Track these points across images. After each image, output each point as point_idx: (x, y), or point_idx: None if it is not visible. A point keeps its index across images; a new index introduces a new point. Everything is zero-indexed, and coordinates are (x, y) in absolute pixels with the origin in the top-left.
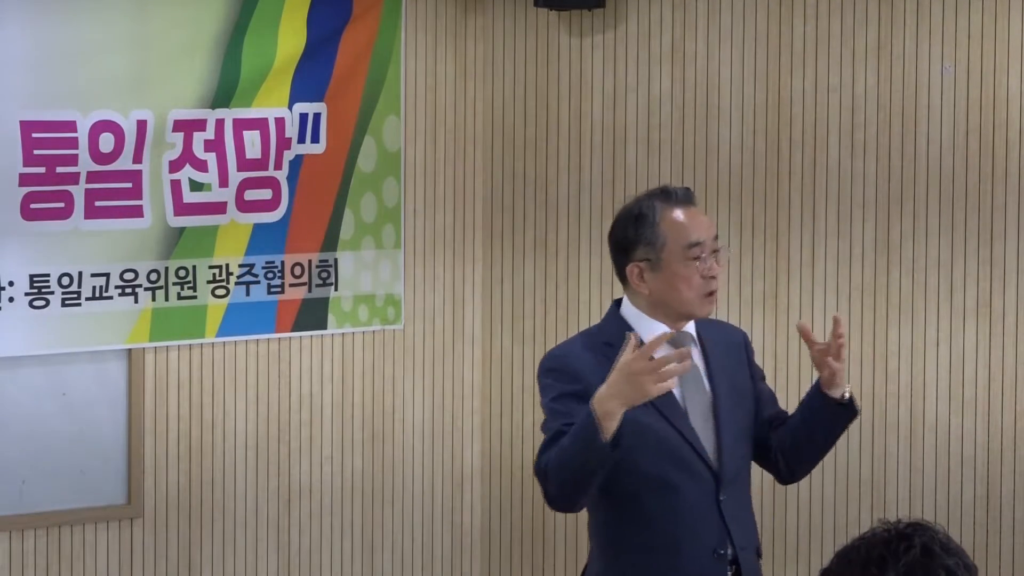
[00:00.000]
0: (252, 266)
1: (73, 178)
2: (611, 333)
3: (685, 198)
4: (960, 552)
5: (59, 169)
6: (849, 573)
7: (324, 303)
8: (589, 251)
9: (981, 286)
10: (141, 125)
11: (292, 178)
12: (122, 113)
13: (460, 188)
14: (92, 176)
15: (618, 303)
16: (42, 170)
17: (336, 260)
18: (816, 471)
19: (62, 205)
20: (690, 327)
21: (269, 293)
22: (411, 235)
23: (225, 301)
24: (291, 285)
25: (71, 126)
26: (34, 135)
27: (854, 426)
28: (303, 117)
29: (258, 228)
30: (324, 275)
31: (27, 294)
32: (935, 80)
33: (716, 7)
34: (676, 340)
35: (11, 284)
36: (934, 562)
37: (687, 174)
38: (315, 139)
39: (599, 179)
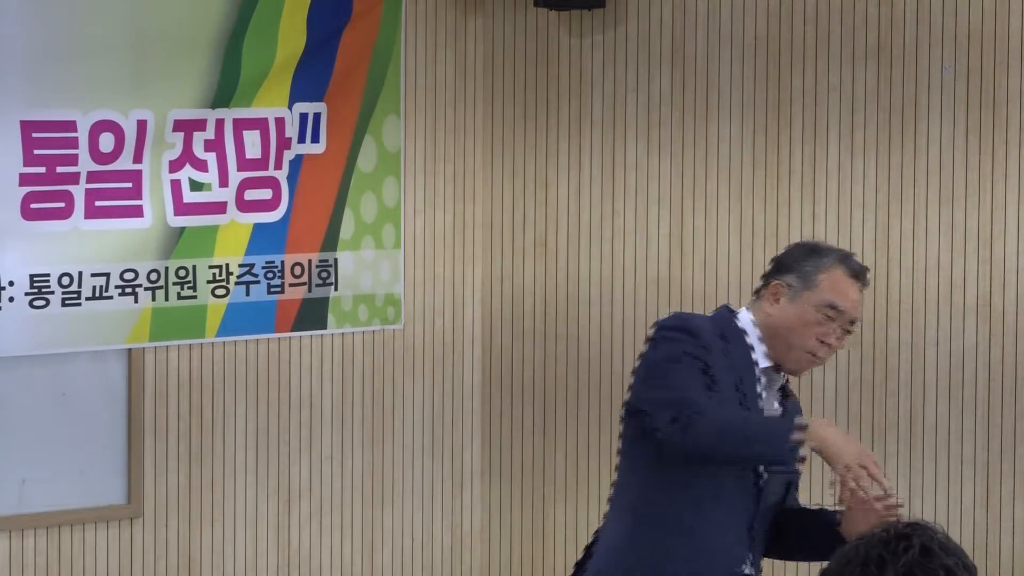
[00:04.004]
0: (252, 266)
1: (73, 178)
2: (727, 329)
3: (860, 273)
4: (959, 552)
5: (59, 169)
6: (848, 573)
7: (324, 303)
8: (589, 251)
9: (981, 285)
10: (141, 125)
11: (292, 178)
12: (122, 113)
13: (460, 187)
14: (92, 176)
15: (728, 309)
16: (42, 170)
17: (336, 260)
18: (816, 471)
19: (62, 205)
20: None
21: (269, 293)
22: (411, 235)
23: (225, 301)
24: (291, 285)
25: (71, 126)
26: (34, 135)
27: (854, 426)
28: (303, 117)
29: (258, 228)
30: (324, 275)
31: (27, 294)
32: (935, 80)
33: (716, 7)
34: (769, 376)
35: (11, 284)
36: (933, 562)
37: (687, 174)
38: (315, 139)
39: (599, 179)
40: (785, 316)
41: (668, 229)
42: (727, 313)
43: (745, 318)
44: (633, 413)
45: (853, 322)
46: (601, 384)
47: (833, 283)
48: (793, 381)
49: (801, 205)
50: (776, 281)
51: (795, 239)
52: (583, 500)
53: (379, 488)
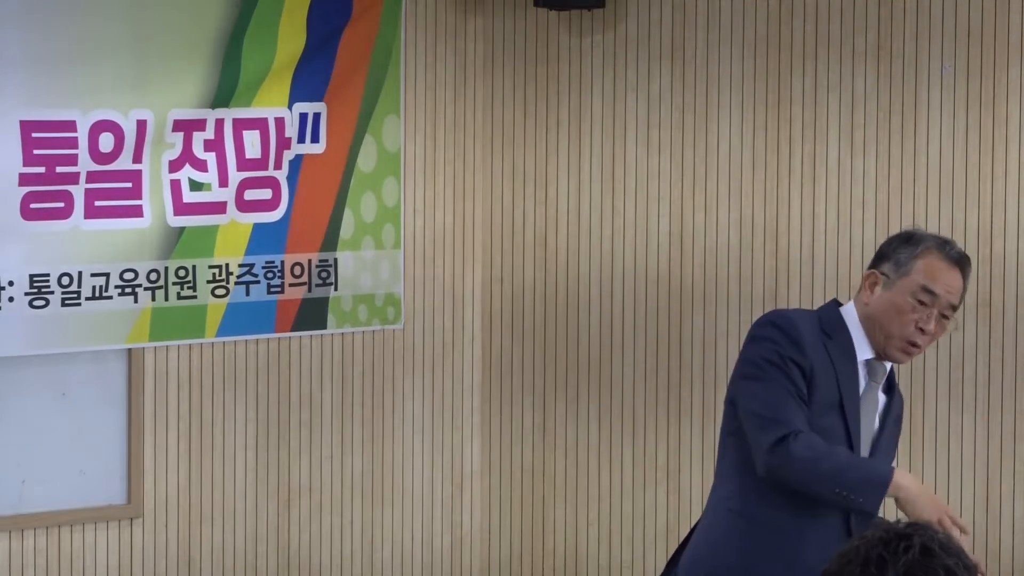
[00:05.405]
0: (252, 266)
1: (73, 178)
2: (831, 326)
3: (956, 258)
4: (960, 552)
5: (59, 169)
6: (849, 573)
7: (324, 303)
8: (589, 251)
9: (981, 285)
10: (141, 125)
11: (292, 178)
12: (122, 113)
13: (459, 187)
14: (92, 176)
15: (836, 303)
16: (42, 170)
17: (336, 260)
18: None
19: (62, 205)
20: (887, 364)
21: (269, 293)
22: (411, 235)
23: (225, 301)
24: (291, 285)
25: (71, 126)
26: (34, 135)
27: None
28: (303, 117)
29: (258, 228)
30: (324, 275)
31: (27, 294)
32: (935, 79)
33: (716, 7)
34: (872, 368)
35: (11, 284)
36: (933, 562)
37: (687, 173)
38: (315, 139)
39: (599, 178)
40: (881, 304)
41: (668, 228)
42: (834, 307)
43: (849, 310)
44: (732, 403)
45: (952, 307)
46: (601, 384)
47: (927, 268)
48: None
49: (801, 204)
50: (873, 270)
51: (795, 238)
52: (583, 500)
53: (379, 488)
